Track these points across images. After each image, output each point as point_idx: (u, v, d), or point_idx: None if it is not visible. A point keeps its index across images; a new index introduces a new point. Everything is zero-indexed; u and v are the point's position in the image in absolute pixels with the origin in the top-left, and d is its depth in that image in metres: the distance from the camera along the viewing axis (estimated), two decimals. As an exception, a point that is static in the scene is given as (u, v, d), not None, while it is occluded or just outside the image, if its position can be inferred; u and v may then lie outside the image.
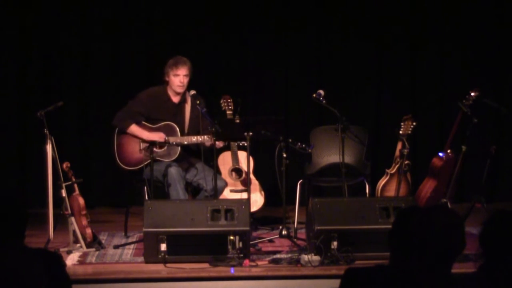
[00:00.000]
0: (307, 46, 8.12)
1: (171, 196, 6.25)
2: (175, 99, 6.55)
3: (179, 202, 6.00)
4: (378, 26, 8.12)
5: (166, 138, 6.33)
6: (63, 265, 3.12)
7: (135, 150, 6.36)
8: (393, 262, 2.69)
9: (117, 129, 6.51)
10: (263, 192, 6.90)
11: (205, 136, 6.28)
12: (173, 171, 6.29)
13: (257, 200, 6.83)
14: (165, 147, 6.41)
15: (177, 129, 6.42)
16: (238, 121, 6.32)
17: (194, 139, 6.34)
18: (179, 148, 6.41)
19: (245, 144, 6.15)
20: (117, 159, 6.49)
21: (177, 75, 6.41)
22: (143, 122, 6.49)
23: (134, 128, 6.45)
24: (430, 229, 2.62)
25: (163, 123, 6.46)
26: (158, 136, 6.33)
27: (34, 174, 7.56)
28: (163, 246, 5.63)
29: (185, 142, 6.38)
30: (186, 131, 6.53)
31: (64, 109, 7.08)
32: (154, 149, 6.24)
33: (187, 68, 6.42)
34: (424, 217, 2.65)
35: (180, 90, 6.45)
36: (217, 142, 6.26)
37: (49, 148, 5.94)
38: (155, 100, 6.51)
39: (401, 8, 8.10)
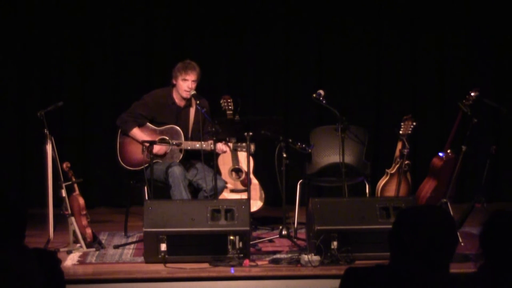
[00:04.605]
0: (307, 46, 8.12)
1: (174, 196, 6.24)
2: (180, 102, 6.55)
3: (179, 202, 6.00)
4: (378, 26, 8.12)
5: (167, 152, 6.35)
6: (58, 261, 3.13)
7: (137, 151, 6.36)
8: (393, 262, 2.69)
9: (120, 129, 6.53)
10: (263, 192, 6.90)
11: (209, 142, 6.26)
12: (176, 170, 6.28)
13: (257, 200, 6.84)
14: (168, 152, 6.41)
15: (182, 133, 6.43)
16: (238, 121, 6.32)
17: (198, 145, 6.33)
18: (182, 153, 6.40)
19: (244, 150, 6.18)
20: (119, 159, 6.49)
21: (186, 80, 6.41)
22: (148, 124, 6.50)
23: (136, 132, 6.45)
24: (420, 229, 2.63)
25: (167, 126, 6.46)
26: (159, 148, 6.33)
27: (34, 174, 7.57)
28: (163, 246, 5.63)
29: (188, 147, 6.38)
30: (189, 135, 6.53)
31: (64, 109, 7.09)
32: (156, 154, 6.27)
33: (196, 74, 6.41)
34: (415, 217, 2.66)
35: (187, 95, 6.45)
36: (218, 148, 6.27)
37: (49, 148, 5.94)
38: (160, 103, 6.51)
39: (401, 8, 8.10)
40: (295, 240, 6.20)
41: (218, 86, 7.75)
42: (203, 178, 6.33)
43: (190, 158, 6.52)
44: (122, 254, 6.00)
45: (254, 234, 6.46)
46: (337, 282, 2.75)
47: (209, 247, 5.67)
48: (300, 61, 8.13)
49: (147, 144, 6.13)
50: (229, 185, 6.80)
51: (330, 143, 6.97)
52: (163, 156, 6.41)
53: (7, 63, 7.88)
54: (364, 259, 5.48)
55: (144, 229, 5.68)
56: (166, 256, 5.62)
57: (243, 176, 6.83)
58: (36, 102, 7.62)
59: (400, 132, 6.68)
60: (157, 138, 6.38)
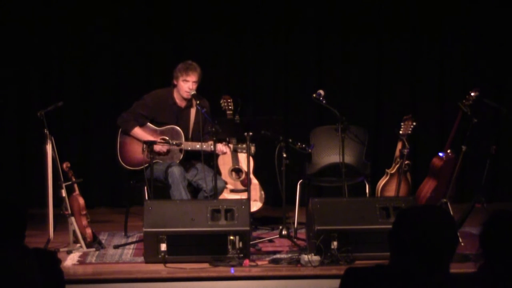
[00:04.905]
0: (307, 46, 8.12)
1: (174, 196, 6.24)
2: (181, 103, 6.55)
3: (179, 202, 6.00)
4: (378, 26, 8.12)
5: (169, 148, 6.35)
6: (58, 261, 3.13)
7: (137, 151, 6.36)
8: (393, 262, 2.69)
9: (120, 128, 6.53)
10: (263, 192, 6.90)
11: (209, 143, 6.27)
12: (176, 170, 6.29)
13: (257, 200, 6.84)
14: (170, 151, 6.41)
15: (182, 133, 6.43)
16: (238, 121, 6.32)
17: (198, 146, 6.34)
18: (182, 154, 6.41)
19: (244, 151, 6.18)
20: (119, 158, 6.49)
21: (187, 81, 6.42)
22: (148, 124, 6.50)
23: (137, 131, 6.46)
24: (420, 229, 2.63)
25: (168, 127, 6.47)
26: (161, 146, 6.34)
27: (34, 174, 7.57)
28: (163, 246, 5.63)
29: (189, 148, 6.38)
30: (190, 135, 6.53)
31: (64, 109, 7.09)
32: (158, 152, 6.29)
33: (197, 75, 6.42)
34: (415, 218, 2.66)
35: (187, 96, 6.46)
36: (219, 149, 6.27)
37: (49, 148, 5.94)
38: (161, 104, 6.52)
39: (401, 8, 8.10)
40: (295, 240, 6.20)
41: (218, 86, 7.75)
42: (203, 178, 6.33)
43: (190, 159, 6.52)
44: (122, 254, 6.00)
45: (254, 234, 6.45)
46: (337, 282, 2.75)
47: (209, 247, 5.67)
48: (300, 61, 8.13)
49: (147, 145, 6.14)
50: (229, 185, 6.80)
51: (330, 143, 6.97)
52: (164, 155, 6.41)
53: (7, 63, 7.88)
54: (364, 259, 5.48)
55: (144, 229, 5.68)
56: (166, 256, 5.62)
57: (243, 176, 6.83)
58: (36, 102, 7.62)
59: (400, 132, 6.68)
60: (157, 138, 6.38)
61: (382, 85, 8.20)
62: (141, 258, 5.76)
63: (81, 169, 7.34)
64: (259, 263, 5.66)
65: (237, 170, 6.91)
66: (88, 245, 6.02)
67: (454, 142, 6.66)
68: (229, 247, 5.61)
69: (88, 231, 6.06)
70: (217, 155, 6.39)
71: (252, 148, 6.19)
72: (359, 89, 8.14)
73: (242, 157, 6.74)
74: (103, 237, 6.45)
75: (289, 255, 5.81)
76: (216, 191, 6.22)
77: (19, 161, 7.97)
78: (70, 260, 5.75)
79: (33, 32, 7.87)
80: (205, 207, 5.78)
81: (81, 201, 6.08)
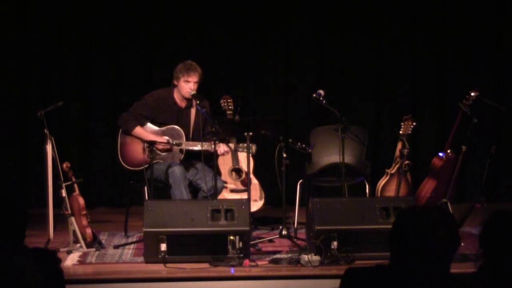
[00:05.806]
0: (307, 46, 8.12)
1: (175, 196, 6.24)
2: (182, 103, 6.56)
3: (179, 202, 6.00)
4: (378, 26, 8.12)
5: (171, 141, 6.36)
6: (58, 261, 3.13)
7: (138, 151, 6.36)
8: (393, 262, 2.69)
9: (121, 129, 6.53)
10: (263, 192, 6.90)
11: (210, 144, 6.27)
12: (177, 170, 6.29)
13: (257, 200, 6.83)
14: (172, 149, 6.42)
15: (183, 133, 6.43)
16: (238, 121, 6.32)
17: (199, 146, 6.34)
18: (183, 154, 6.41)
19: (245, 151, 6.18)
20: (120, 159, 6.49)
21: (188, 81, 6.42)
22: (149, 124, 6.50)
23: (139, 130, 6.46)
24: (420, 229, 2.63)
25: (168, 127, 6.47)
26: (162, 140, 6.34)
27: (34, 174, 7.57)
28: (163, 246, 5.63)
29: (190, 148, 6.38)
30: (190, 135, 6.53)
31: (64, 109, 7.08)
32: (159, 153, 6.29)
33: (198, 75, 6.43)
34: (416, 218, 2.66)
35: (189, 96, 6.47)
36: (219, 150, 6.27)
37: (49, 148, 5.94)
38: (161, 104, 6.52)
39: (401, 8, 8.10)
40: (295, 240, 6.20)
41: (218, 86, 7.75)
42: (202, 178, 6.33)
43: (190, 158, 6.52)
44: (122, 254, 6.00)
45: (254, 234, 6.45)
46: (337, 282, 2.75)
47: (209, 247, 5.67)
48: (300, 61, 8.13)
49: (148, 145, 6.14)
50: (229, 185, 6.80)
51: (330, 143, 6.97)
52: (167, 151, 6.39)
53: (8, 63, 7.88)
54: (364, 259, 5.48)
55: (144, 229, 5.68)
56: (166, 256, 5.62)
57: (243, 176, 6.83)
58: (36, 102, 7.62)
59: (400, 132, 6.68)
60: (159, 138, 6.38)
61: (382, 85, 8.20)
62: (141, 258, 5.76)
63: (81, 169, 7.34)
64: (259, 263, 5.66)
65: (237, 170, 6.91)
66: (88, 245, 6.02)
67: (454, 142, 6.66)
68: (229, 247, 5.61)
69: (88, 231, 6.06)
70: (217, 155, 6.39)
71: (254, 148, 6.20)
72: (359, 89, 8.14)
73: (242, 157, 6.74)
74: (103, 237, 6.45)
75: (289, 255, 5.81)
76: (216, 191, 6.22)
77: (19, 161, 7.97)
78: (70, 260, 5.75)
79: (33, 31, 7.87)
80: (205, 207, 5.78)
81: (81, 201, 6.08)
